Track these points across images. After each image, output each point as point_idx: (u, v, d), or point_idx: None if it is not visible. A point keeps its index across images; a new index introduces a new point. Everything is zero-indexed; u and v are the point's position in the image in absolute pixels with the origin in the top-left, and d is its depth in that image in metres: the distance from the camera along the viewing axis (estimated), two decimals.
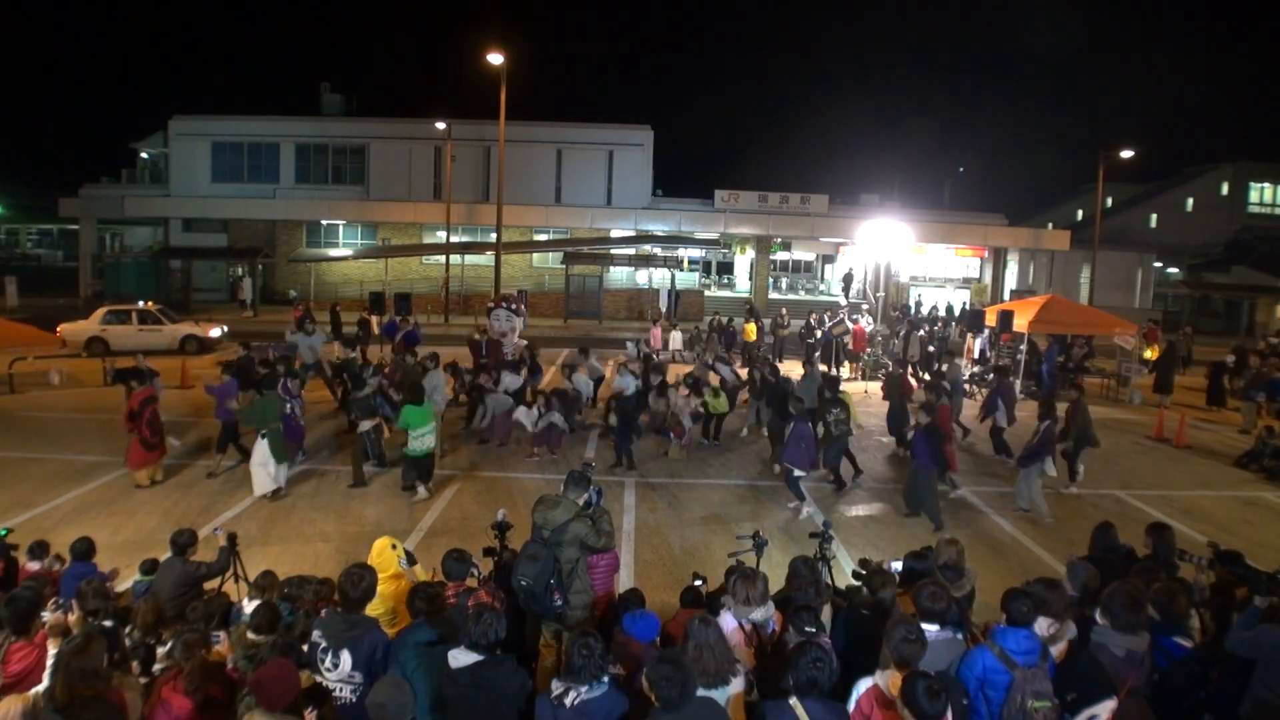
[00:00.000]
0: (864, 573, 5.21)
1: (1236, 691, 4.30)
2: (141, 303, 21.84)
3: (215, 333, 20.92)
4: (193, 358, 18.43)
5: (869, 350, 20.71)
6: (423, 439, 9.74)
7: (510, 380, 13.09)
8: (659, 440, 12.63)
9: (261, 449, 9.68)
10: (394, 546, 5.50)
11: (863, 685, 3.70)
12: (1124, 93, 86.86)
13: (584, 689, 3.54)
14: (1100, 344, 22.02)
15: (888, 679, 3.64)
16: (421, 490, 9.86)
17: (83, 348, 19.48)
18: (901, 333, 20.12)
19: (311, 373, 14.31)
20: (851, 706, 3.67)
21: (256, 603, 5.03)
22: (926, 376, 19.75)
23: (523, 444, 12.38)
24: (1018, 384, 16.38)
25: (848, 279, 25.75)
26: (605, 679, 3.62)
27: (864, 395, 17.17)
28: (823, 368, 16.98)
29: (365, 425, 10.65)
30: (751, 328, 21.25)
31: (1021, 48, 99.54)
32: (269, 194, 34.17)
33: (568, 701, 3.53)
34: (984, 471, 12.12)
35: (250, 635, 4.36)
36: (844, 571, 7.80)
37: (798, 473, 9.68)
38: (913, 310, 28.02)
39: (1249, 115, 71.43)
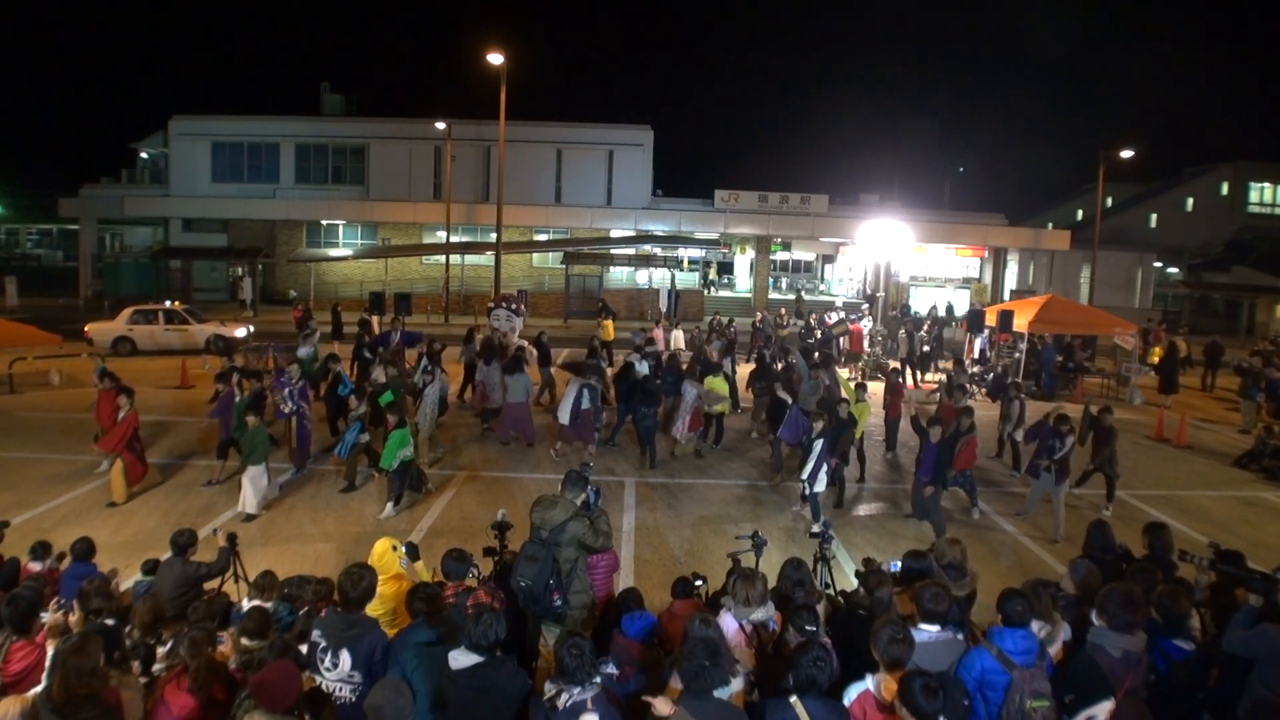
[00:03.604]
0: (863, 571, 5.22)
1: (1235, 691, 4.30)
2: (168, 302, 22.12)
3: (240, 332, 20.95)
4: (192, 358, 18.41)
5: (869, 350, 20.72)
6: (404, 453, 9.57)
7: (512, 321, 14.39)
8: (666, 439, 12.63)
9: (259, 469, 9.42)
10: (395, 548, 5.51)
11: (854, 690, 3.69)
12: (1124, 93, 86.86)
13: (576, 690, 3.54)
14: (1100, 344, 22.03)
15: (880, 683, 3.64)
16: (389, 509, 9.48)
17: (109, 347, 19.66)
18: (901, 332, 20.14)
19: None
20: None
21: (253, 604, 5.04)
22: (926, 376, 19.82)
23: (523, 443, 12.40)
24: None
25: (871, 299, 25.52)
26: (598, 680, 3.61)
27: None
28: (845, 374, 16.86)
29: (365, 438, 10.55)
30: (609, 325, 20.91)
31: (1021, 48, 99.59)
32: (269, 194, 34.18)
33: (560, 703, 3.53)
34: (983, 474, 12.11)
35: (244, 641, 4.35)
36: (845, 572, 7.82)
37: (818, 487, 9.37)
38: (912, 311, 28.04)
39: (1249, 115, 71.55)
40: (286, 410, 10.92)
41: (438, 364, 12.37)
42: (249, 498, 9.33)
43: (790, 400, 11.21)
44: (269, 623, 4.56)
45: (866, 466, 11.69)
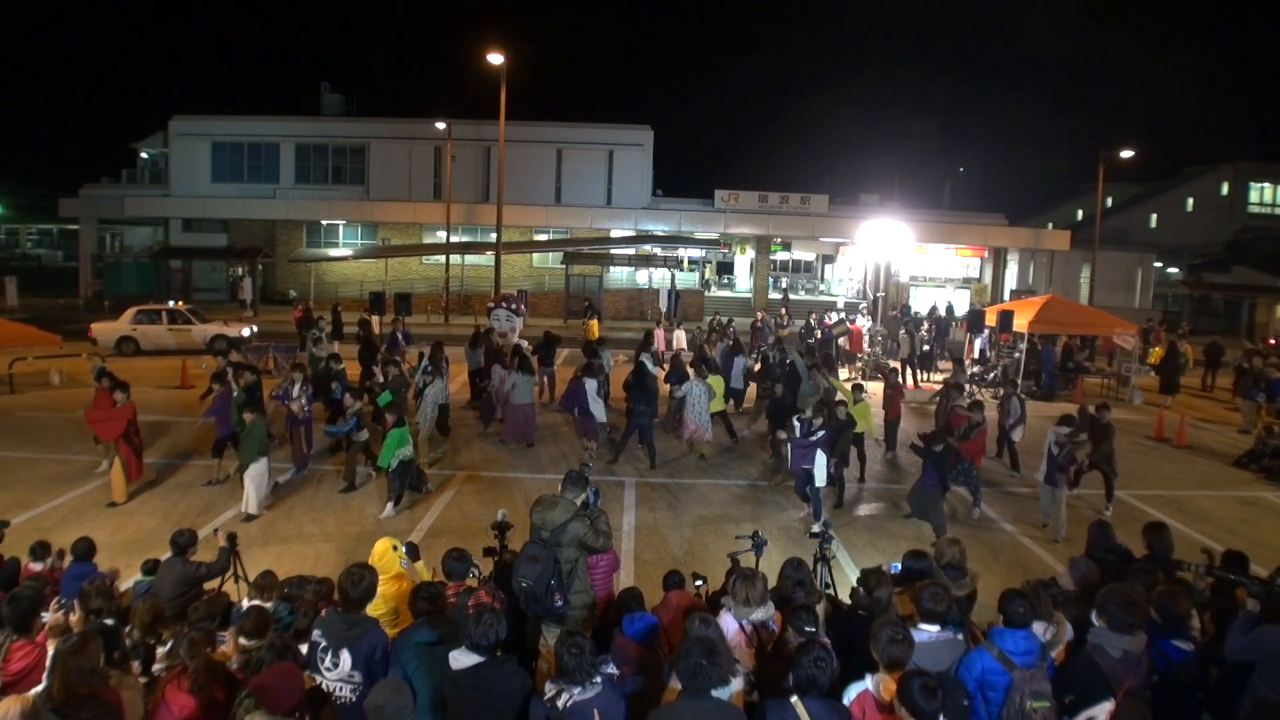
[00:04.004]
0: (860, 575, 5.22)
1: (1235, 692, 4.30)
2: (172, 302, 22.29)
3: (245, 332, 20.96)
4: (191, 358, 18.43)
5: (868, 351, 20.71)
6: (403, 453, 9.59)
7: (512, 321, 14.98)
8: (669, 439, 12.64)
9: (260, 466, 9.42)
10: (395, 548, 5.52)
11: (853, 690, 3.70)
12: (1124, 93, 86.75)
13: (577, 690, 3.54)
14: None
15: (880, 683, 3.64)
16: (389, 509, 9.49)
17: (113, 347, 19.76)
18: (901, 332, 20.13)
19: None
20: None
21: (251, 603, 5.04)
22: (930, 376, 19.83)
23: (523, 443, 12.39)
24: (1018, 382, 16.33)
25: (875, 302, 25.46)
26: (598, 680, 3.61)
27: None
28: (844, 374, 16.80)
29: (361, 436, 10.55)
30: (594, 324, 20.99)
31: (1021, 48, 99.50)
32: (269, 194, 34.17)
33: (560, 703, 3.53)
34: (983, 474, 12.10)
35: (242, 641, 4.35)
36: (845, 572, 7.83)
37: (819, 482, 9.38)
38: (912, 311, 28.04)
39: (1249, 115, 71.45)
40: (302, 417, 10.92)
41: (439, 367, 12.36)
42: (250, 497, 9.33)
43: (805, 413, 10.91)
44: (267, 622, 4.55)
45: (866, 466, 11.69)
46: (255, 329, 21.87)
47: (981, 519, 10.02)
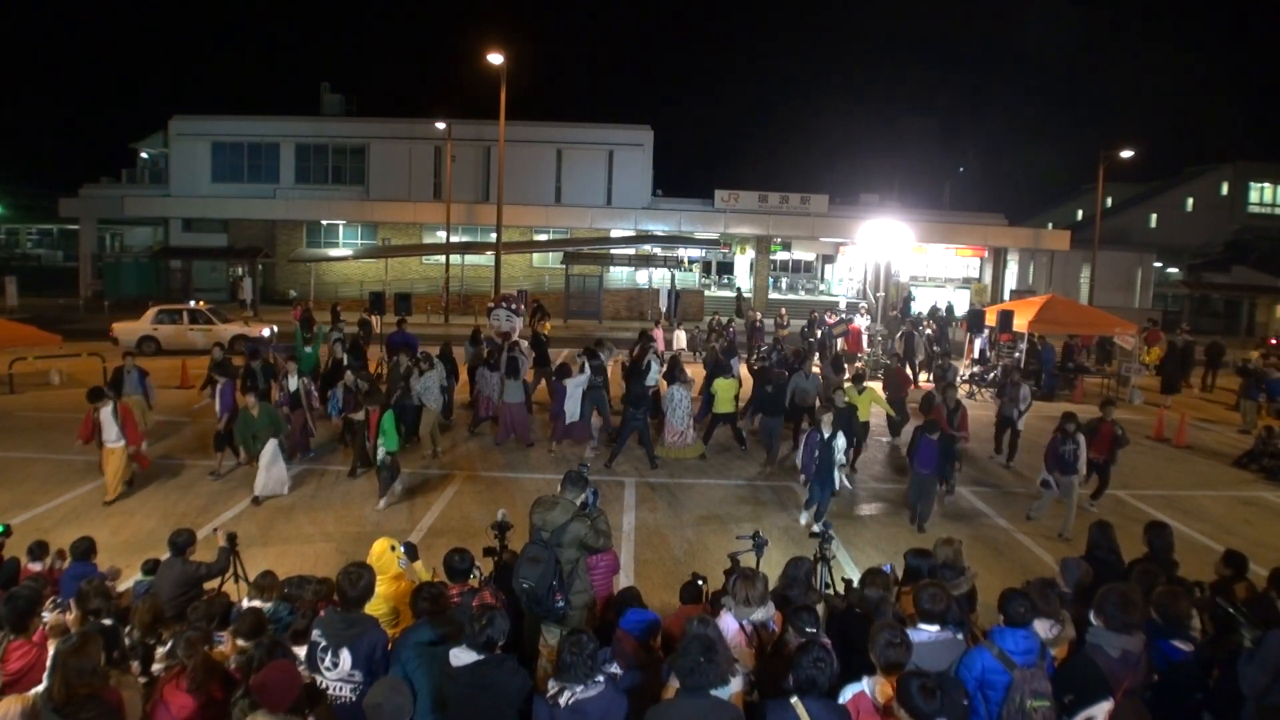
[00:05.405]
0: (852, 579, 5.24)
1: (1236, 692, 4.29)
2: (193, 302, 22.56)
3: (265, 332, 20.92)
4: (192, 358, 18.42)
5: (868, 350, 20.69)
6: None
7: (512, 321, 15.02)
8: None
9: (270, 449, 9.73)
10: (393, 548, 5.52)
11: (849, 691, 3.70)
12: (1124, 93, 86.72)
13: (579, 688, 3.54)
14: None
15: (876, 685, 3.64)
16: (383, 501, 9.70)
17: (134, 347, 19.78)
18: (900, 333, 20.09)
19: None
20: None
21: (249, 605, 5.05)
22: (927, 376, 19.81)
23: (525, 445, 12.39)
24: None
25: (904, 304, 25.33)
26: (600, 678, 3.62)
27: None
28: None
29: (358, 415, 10.68)
30: (547, 325, 20.98)
31: (1022, 48, 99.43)
32: (269, 194, 34.18)
33: (562, 701, 3.54)
34: (983, 472, 12.13)
35: (240, 642, 4.35)
36: (845, 572, 7.81)
37: (837, 484, 9.47)
38: (912, 311, 28.03)
39: (1249, 115, 71.29)
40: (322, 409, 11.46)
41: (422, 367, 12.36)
42: (261, 480, 9.62)
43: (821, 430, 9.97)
44: (262, 624, 4.55)
45: (859, 456, 11.71)
46: (275, 329, 21.88)
47: (981, 518, 10.02)
